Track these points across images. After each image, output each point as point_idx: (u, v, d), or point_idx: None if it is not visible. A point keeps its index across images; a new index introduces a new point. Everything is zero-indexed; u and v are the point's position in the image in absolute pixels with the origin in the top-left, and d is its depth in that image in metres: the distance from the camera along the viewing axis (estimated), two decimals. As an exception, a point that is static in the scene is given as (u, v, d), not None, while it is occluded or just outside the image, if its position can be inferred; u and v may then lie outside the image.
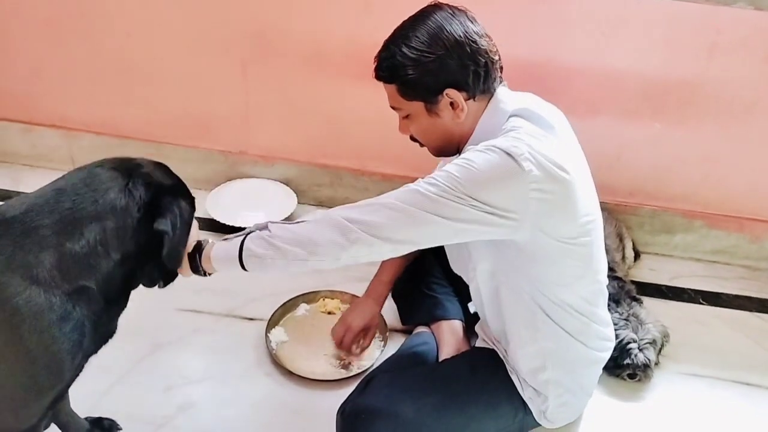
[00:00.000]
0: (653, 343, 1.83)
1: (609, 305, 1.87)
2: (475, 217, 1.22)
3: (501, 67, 1.36)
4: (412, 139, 1.43)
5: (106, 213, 1.20)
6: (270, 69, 2.31)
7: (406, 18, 1.36)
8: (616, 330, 1.79)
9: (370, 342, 1.85)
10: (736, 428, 1.80)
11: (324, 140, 2.46)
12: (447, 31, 1.28)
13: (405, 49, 1.29)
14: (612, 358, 1.68)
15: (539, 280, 1.37)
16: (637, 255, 2.32)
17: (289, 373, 1.80)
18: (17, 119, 2.58)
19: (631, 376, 1.83)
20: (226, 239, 1.38)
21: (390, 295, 1.87)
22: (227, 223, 2.27)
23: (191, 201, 1.34)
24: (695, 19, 2.00)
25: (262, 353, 1.87)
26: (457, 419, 1.42)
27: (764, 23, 1.97)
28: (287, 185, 2.51)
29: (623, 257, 2.19)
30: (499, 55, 1.34)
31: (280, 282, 2.09)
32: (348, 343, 1.79)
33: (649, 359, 1.81)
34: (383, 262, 1.81)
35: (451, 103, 1.32)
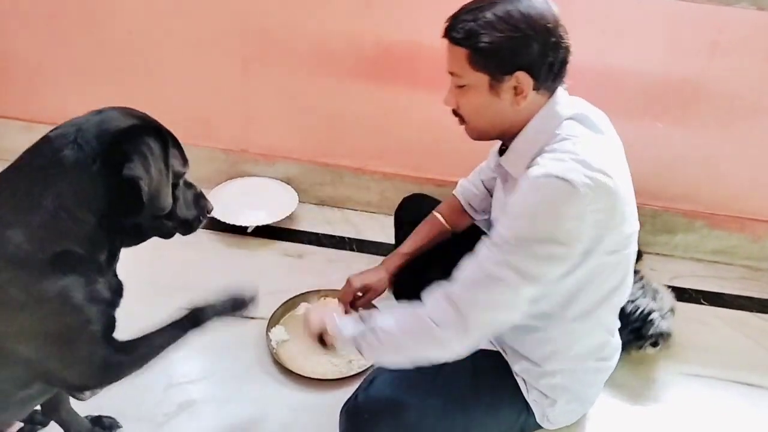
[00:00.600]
0: (672, 310, 1.85)
1: None
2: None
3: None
4: (455, 113, 1.36)
5: (57, 176, 1.11)
6: (271, 67, 2.31)
7: None
8: (634, 300, 1.79)
9: (366, 303, 1.75)
10: (737, 429, 1.79)
11: (325, 139, 2.46)
12: (539, 14, 1.22)
13: (492, 17, 1.21)
14: (634, 330, 1.67)
15: (570, 301, 1.34)
16: (639, 255, 2.31)
17: (290, 372, 1.80)
18: (18, 117, 2.57)
19: (654, 345, 1.84)
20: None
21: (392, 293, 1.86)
22: (228, 222, 2.27)
23: (159, 136, 1.20)
24: (697, 19, 2.00)
25: (263, 352, 1.87)
26: (460, 421, 1.41)
27: (766, 23, 1.97)
28: (288, 184, 2.51)
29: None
30: (569, 57, 1.29)
31: (280, 281, 2.09)
32: (344, 299, 1.73)
33: (669, 327, 1.82)
34: (414, 232, 1.78)
35: (515, 87, 1.25)
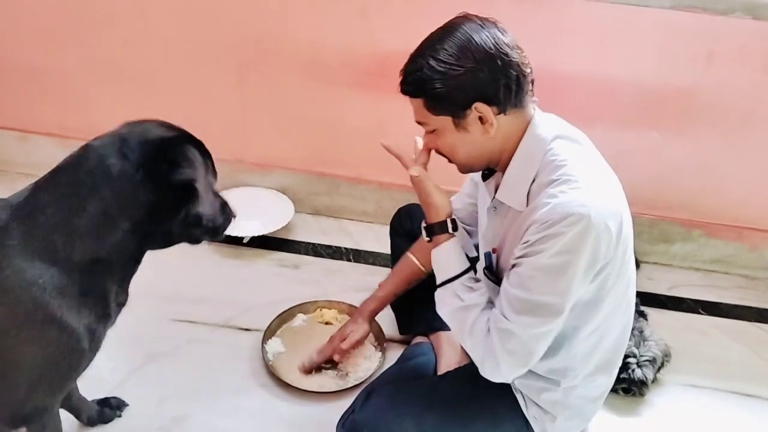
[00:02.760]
0: (652, 361, 1.81)
1: None
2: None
3: (533, 80, 1.30)
4: (438, 152, 1.39)
5: (102, 182, 1.17)
6: (266, 77, 2.31)
7: (433, 30, 1.30)
8: None
9: (348, 352, 1.81)
10: (736, 439, 1.79)
11: (321, 148, 2.45)
12: (476, 43, 1.22)
13: (433, 62, 1.23)
14: None
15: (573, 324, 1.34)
16: (636, 264, 2.31)
17: (286, 385, 1.78)
18: (13, 127, 2.57)
19: (626, 391, 1.82)
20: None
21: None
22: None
23: (200, 146, 1.29)
24: (693, 29, 2.00)
25: (258, 364, 1.86)
26: None
27: (762, 32, 1.97)
28: (284, 194, 2.50)
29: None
30: (531, 68, 1.29)
31: (276, 292, 2.08)
32: (326, 354, 1.79)
33: (646, 376, 1.79)
34: (390, 273, 1.82)
35: (480, 118, 1.26)
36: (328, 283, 2.17)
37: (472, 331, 1.31)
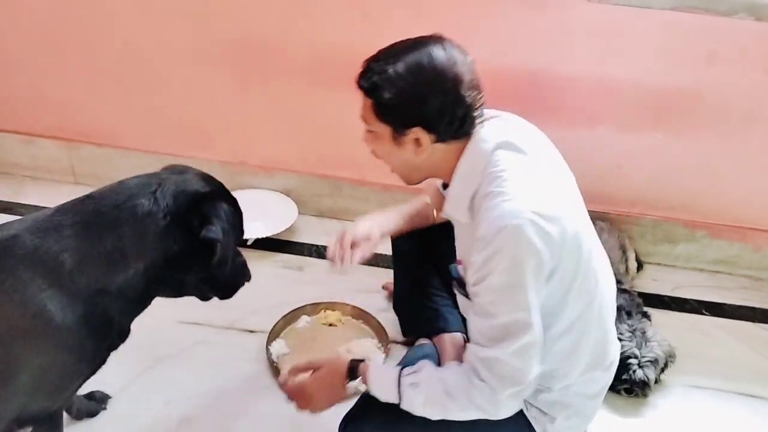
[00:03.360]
0: (654, 362, 1.81)
1: (620, 316, 1.85)
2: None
3: (481, 107, 1.30)
4: (375, 155, 1.40)
5: (125, 219, 1.19)
6: (269, 79, 2.31)
7: (404, 39, 1.31)
8: (620, 341, 1.78)
9: (360, 256, 1.67)
10: (740, 440, 1.79)
11: (324, 150, 2.46)
12: (438, 72, 1.23)
13: (392, 73, 1.24)
14: None
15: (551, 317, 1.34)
16: (639, 266, 2.31)
17: (290, 386, 1.78)
18: (18, 131, 2.58)
19: (628, 391, 1.82)
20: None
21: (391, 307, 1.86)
22: (227, 235, 2.26)
23: (234, 204, 1.31)
24: (694, 30, 2.00)
25: (263, 366, 1.86)
26: None
27: (763, 33, 1.97)
28: (287, 196, 2.51)
29: (626, 269, 2.18)
30: (481, 107, 1.29)
31: (280, 294, 2.09)
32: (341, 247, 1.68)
33: (647, 377, 1.79)
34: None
35: (416, 140, 1.28)
36: (331, 284, 2.17)
37: (451, 393, 1.28)
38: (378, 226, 1.70)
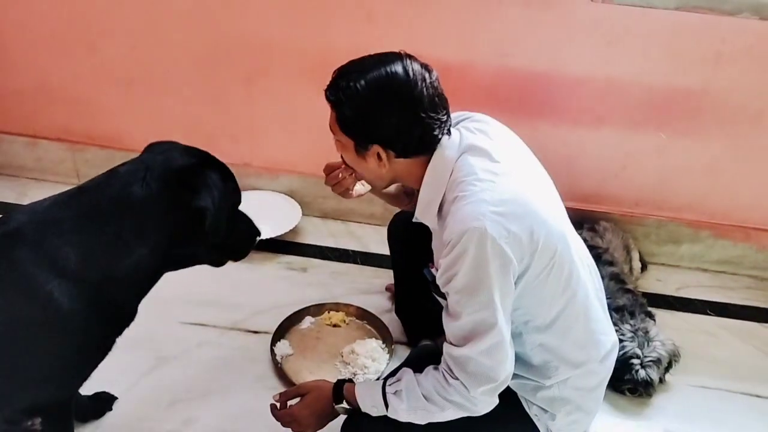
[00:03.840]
0: (657, 362, 1.81)
1: (623, 316, 1.86)
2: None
3: (444, 124, 1.31)
4: (344, 161, 1.43)
5: (124, 210, 1.22)
6: (273, 81, 2.32)
7: (373, 53, 1.32)
8: (622, 342, 1.78)
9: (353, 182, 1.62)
10: (745, 441, 1.78)
11: (328, 152, 2.44)
12: (396, 92, 1.25)
13: (356, 88, 1.25)
14: (614, 370, 1.67)
15: (528, 313, 1.36)
16: (644, 266, 2.31)
17: (295, 387, 1.79)
18: (22, 133, 2.58)
19: (632, 391, 1.82)
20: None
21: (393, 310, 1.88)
22: (232, 236, 2.27)
23: (221, 169, 1.33)
24: (700, 29, 2.00)
25: (267, 367, 1.87)
26: None
27: (768, 33, 1.97)
28: (292, 197, 2.51)
29: (630, 269, 2.18)
30: (444, 124, 1.30)
31: (285, 295, 2.09)
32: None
33: (650, 377, 1.79)
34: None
35: (378, 155, 1.31)
36: (335, 285, 2.18)
37: (428, 395, 1.30)
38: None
